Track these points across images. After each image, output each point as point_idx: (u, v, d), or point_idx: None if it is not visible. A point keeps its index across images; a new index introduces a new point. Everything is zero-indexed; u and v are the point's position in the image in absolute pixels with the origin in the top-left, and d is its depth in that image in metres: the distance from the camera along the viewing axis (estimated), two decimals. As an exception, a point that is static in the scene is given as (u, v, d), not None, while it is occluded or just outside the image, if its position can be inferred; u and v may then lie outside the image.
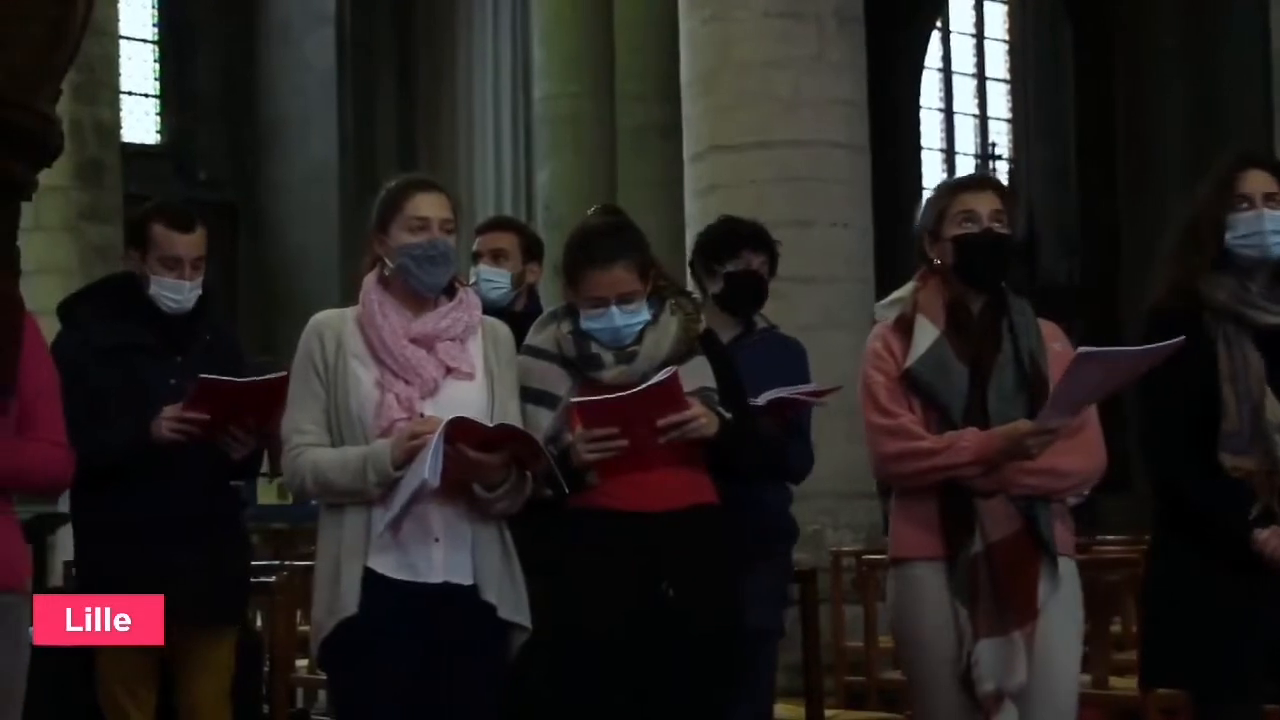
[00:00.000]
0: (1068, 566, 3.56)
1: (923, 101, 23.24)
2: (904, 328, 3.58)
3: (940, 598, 3.49)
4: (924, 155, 23.28)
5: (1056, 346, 3.61)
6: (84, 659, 4.12)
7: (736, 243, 4.49)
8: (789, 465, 4.36)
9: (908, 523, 3.57)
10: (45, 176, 4.44)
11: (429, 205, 3.42)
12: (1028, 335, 3.57)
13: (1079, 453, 3.51)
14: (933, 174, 23.48)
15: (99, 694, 4.05)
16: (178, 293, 4.03)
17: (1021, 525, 3.49)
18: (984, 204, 3.59)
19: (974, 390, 3.52)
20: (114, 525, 3.99)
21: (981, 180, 3.86)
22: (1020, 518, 3.49)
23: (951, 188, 3.72)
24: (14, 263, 4.27)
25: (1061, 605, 3.52)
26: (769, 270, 4.53)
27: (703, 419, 3.45)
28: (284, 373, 3.81)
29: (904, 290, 3.65)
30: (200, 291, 4.08)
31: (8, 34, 3.95)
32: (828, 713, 5.79)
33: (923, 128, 23.28)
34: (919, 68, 22.96)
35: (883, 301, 3.71)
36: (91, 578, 4.10)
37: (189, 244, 4.04)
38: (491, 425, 3.29)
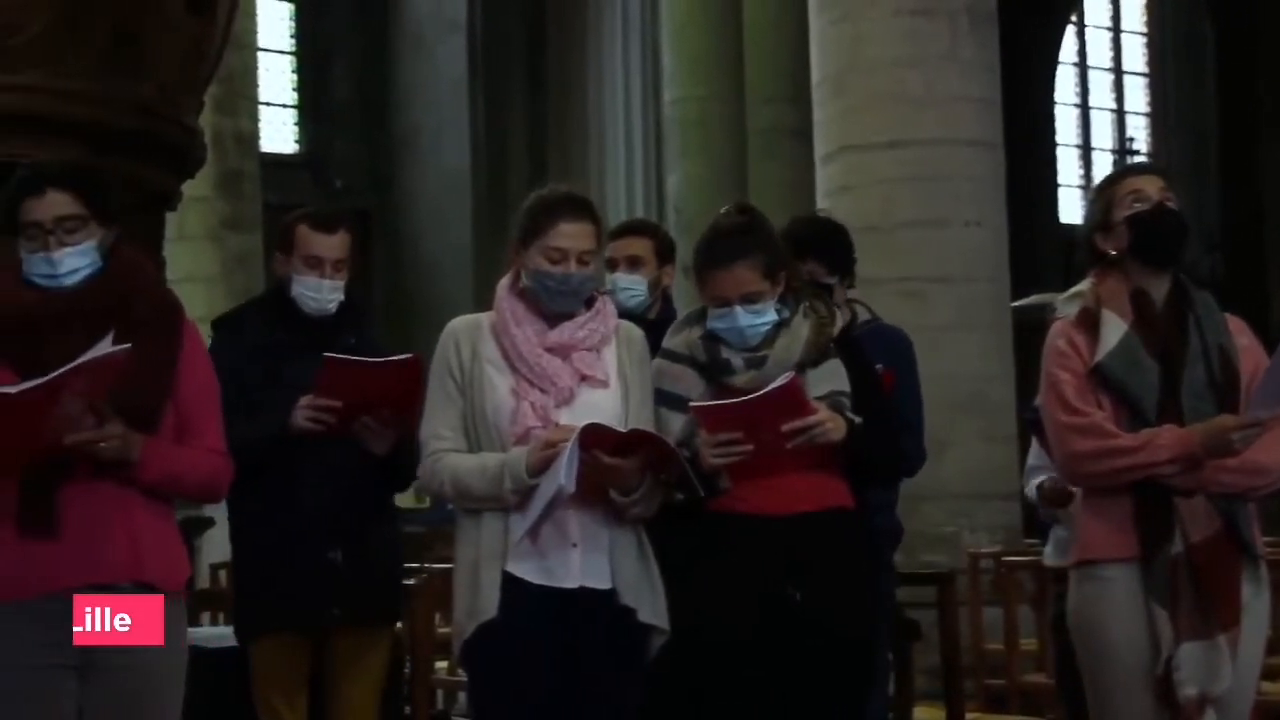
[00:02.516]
0: (1266, 570, 3.47)
1: (1058, 97, 22.92)
2: (1088, 323, 3.46)
3: (1133, 600, 3.38)
4: (1059, 152, 22.95)
5: (1244, 341, 3.51)
6: (239, 659, 4.20)
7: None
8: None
9: (1098, 523, 3.45)
10: (189, 187, 4.60)
11: (569, 237, 3.39)
12: (1214, 329, 3.46)
13: (1276, 448, 3.40)
14: (1069, 171, 23.15)
15: (252, 694, 4.11)
16: (317, 291, 4.09)
17: (1221, 525, 3.39)
18: (1151, 185, 3.52)
19: (1166, 385, 3.41)
20: (269, 525, 4.05)
21: (1143, 166, 3.79)
22: (1219, 517, 3.39)
23: (1113, 177, 3.64)
24: (162, 272, 4.40)
25: (1259, 609, 3.44)
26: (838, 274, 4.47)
27: (828, 424, 3.40)
28: (410, 355, 3.85)
29: (1082, 285, 3.55)
30: (342, 297, 4.14)
31: (155, 51, 4.09)
32: (968, 716, 5.75)
33: (1058, 124, 22.95)
34: (1054, 63, 22.64)
35: (1062, 296, 3.60)
36: (246, 578, 4.18)
37: (330, 245, 4.11)
38: (625, 430, 3.30)
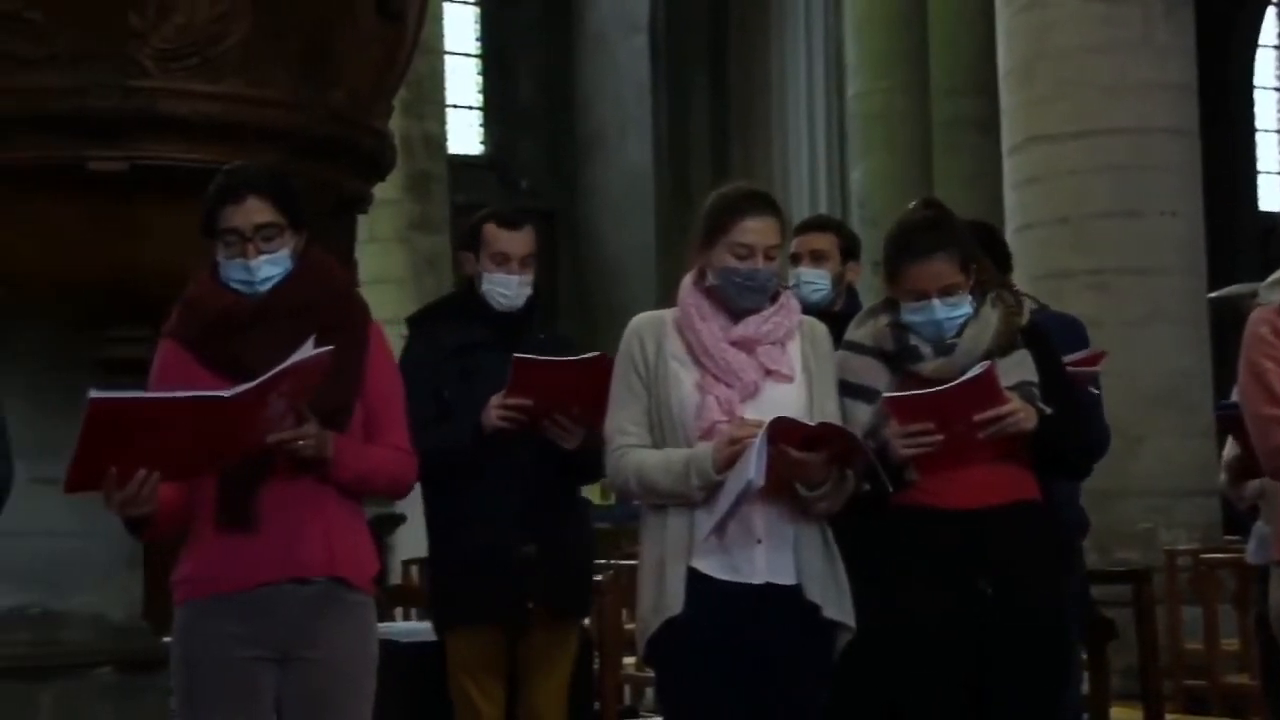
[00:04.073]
0: None
1: (1257, 80, 22.24)
2: None
3: None
4: (1259, 137, 22.28)
5: None
6: (434, 654, 4.28)
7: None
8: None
9: None
10: (378, 190, 4.69)
11: (755, 232, 3.39)
12: None
13: None
14: (1268, 156, 22.46)
15: (450, 685, 4.17)
16: (507, 288, 4.16)
17: None
18: None
19: None
20: (462, 521, 4.12)
21: None
22: None
23: None
24: (353, 274, 4.49)
25: None
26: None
27: (1020, 414, 3.39)
28: (598, 354, 3.88)
29: None
30: (531, 292, 4.20)
31: (348, 58, 4.18)
32: (1167, 717, 5.61)
33: (1257, 108, 22.27)
34: (1253, 44, 21.99)
35: (1264, 283, 3.50)
36: (443, 574, 4.25)
37: (516, 241, 4.17)
38: (813, 424, 3.29)
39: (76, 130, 3.85)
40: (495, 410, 3.97)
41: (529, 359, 3.91)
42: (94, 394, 2.82)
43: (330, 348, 3.02)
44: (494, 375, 4.02)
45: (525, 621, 4.10)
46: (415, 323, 4.35)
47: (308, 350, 2.99)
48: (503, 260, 4.16)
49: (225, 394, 2.91)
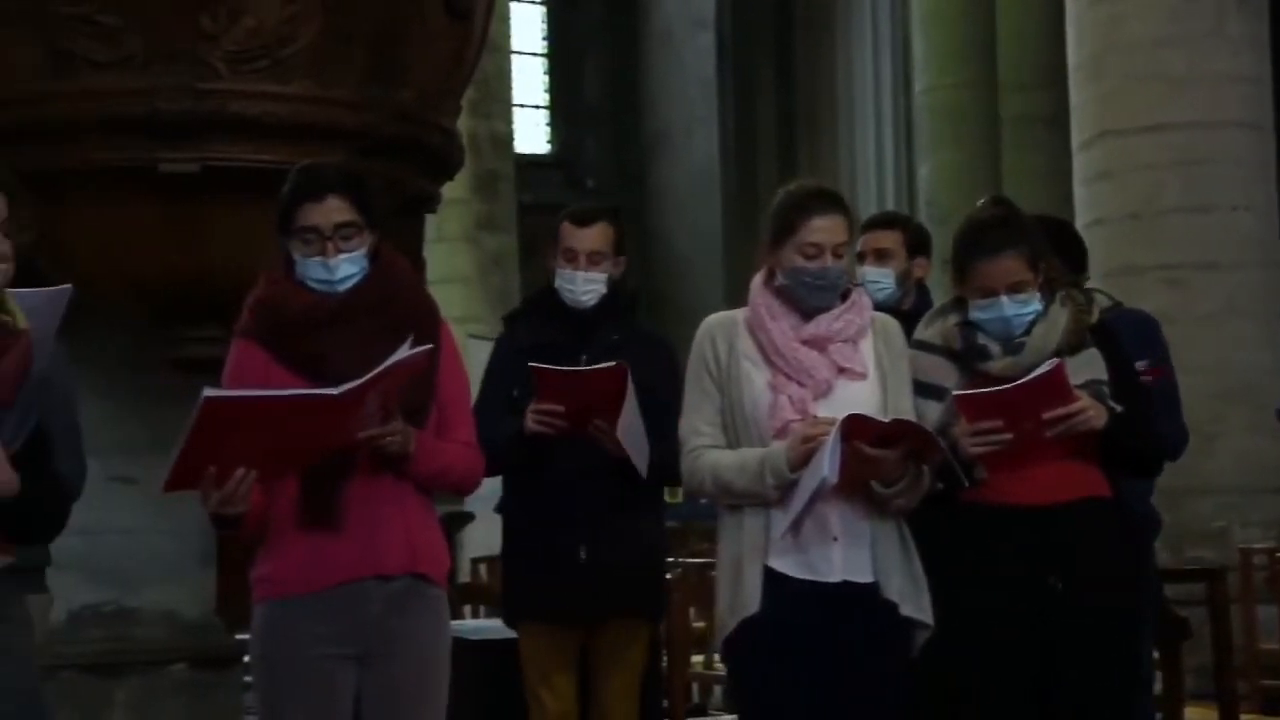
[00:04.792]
0: None
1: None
2: None
3: None
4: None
5: None
6: (503, 650, 4.29)
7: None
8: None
9: None
10: (446, 189, 4.71)
11: (823, 231, 3.37)
12: None
13: None
14: (1342, 150, 22.11)
15: (522, 682, 4.18)
16: (571, 283, 4.17)
17: None
18: None
19: None
20: (531, 520, 4.14)
21: None
22: None
23: None
24: (422, 273, 4.52)
25: None
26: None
27: (1090, 411, 3.37)
28: (615, 364, 3.89)
29: None
30: (603, 290, 4.19)
31: (416, 58, 4.20)
32: (1242, 717, 5.54)
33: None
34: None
35: None
36: (515, 570, 4.26)
37: (583, 237, 4.18)
38: (887, 420, 3.27)
39: (148, 132, 3.89)
40: (531, 415, 4.00)
41: (544, 368, 3.94)
42: (208, 393, 2.83)
43: (430, 346, 3.05)
44: None
45: (596, 620, 4.11)
46: (505, 322, 4.41)
47: (407, 349, 3.02)
48: (570, 256, 4.17)
49: (334, 391, 2.93)
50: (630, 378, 3.89)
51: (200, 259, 3.96)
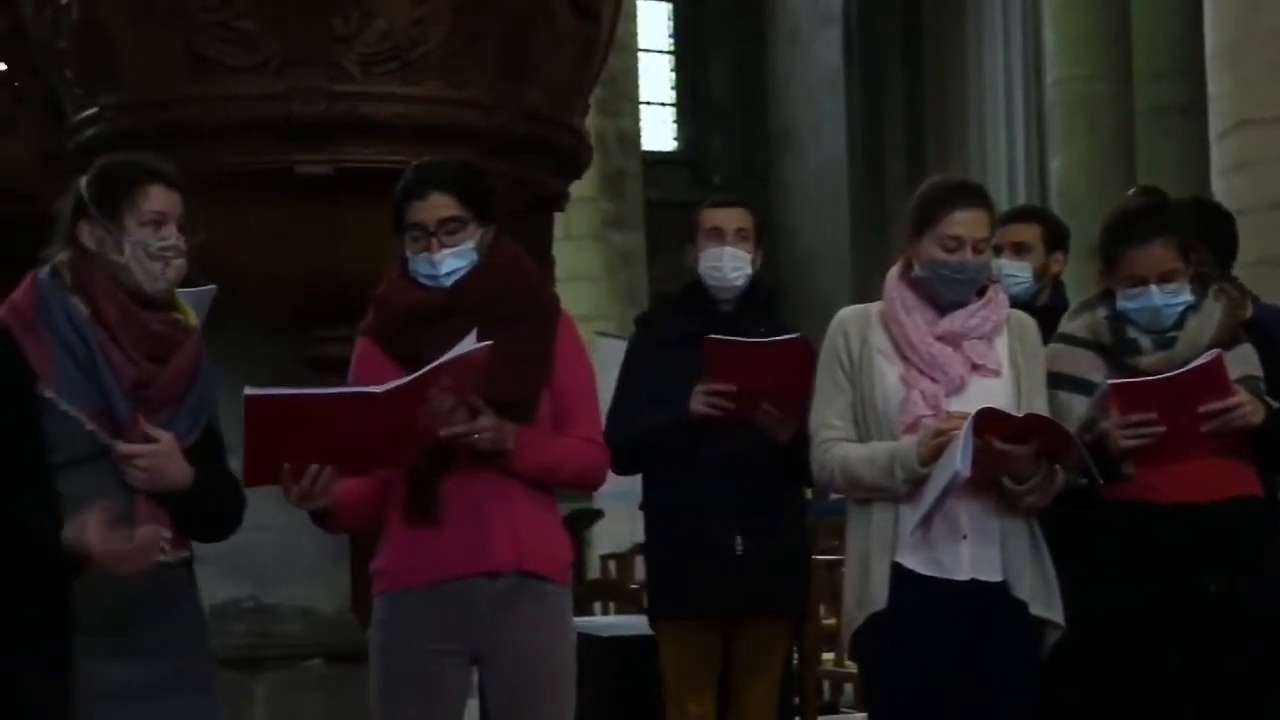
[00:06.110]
0: None
1: None
2: None
3: None
4: None
5: None
6: (639, 645, 4.29)
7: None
8: None
9: None
10: (574, 187, 4.73)
11: (964, 224, 3.35)
12: None
13: None
14: None
15: (663, 681, 4.15)
16: (718, 260, 4.11)
17: None
18: None
19: None
20: (676, 515, 4.09)
21: None
22: None
23: None
24: (550, 271, 4.54)
25: None
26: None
27: (1248, 407, 3.30)
28: (797, 335, 3.84)
29: None
30: (749, 270, 4.14)
31: (544, 57, 4.22)
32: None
33: None
34: None
35: None
36: (658, 566, 4.24)
37: (729, 215, 4.15)
38: (1020, 415, 3.23)
39: (283, 135, 3.96)
40: (699, 397, 3.94)
41: (722, 339, 3.86)
42: (249, 391, 2.88)
43: (488, 344, 3.04)
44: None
45: (743, 616, 4.07)
46: (642, 319, 4.38)
47: (467, 345, 3.02)
48: (716, 235, 4.11)
49: (377, 390, 2.95)
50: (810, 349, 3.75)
51: (334, 259, 4.02)
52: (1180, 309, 3.42)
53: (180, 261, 2.89)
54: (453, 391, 3.03)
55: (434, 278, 3.23)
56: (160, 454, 2.82)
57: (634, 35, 15.48)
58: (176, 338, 2.90)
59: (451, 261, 3.22)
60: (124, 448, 2.80)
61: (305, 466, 2.97)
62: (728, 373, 3.89)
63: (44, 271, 2.89)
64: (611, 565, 10.01)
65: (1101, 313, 3.49)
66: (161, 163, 2.96)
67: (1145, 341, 3.43)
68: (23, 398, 2.77)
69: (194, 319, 2.96)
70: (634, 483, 4.21)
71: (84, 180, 2.93)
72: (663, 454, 4.01)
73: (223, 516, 3.02)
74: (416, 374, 2.97)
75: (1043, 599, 3.32)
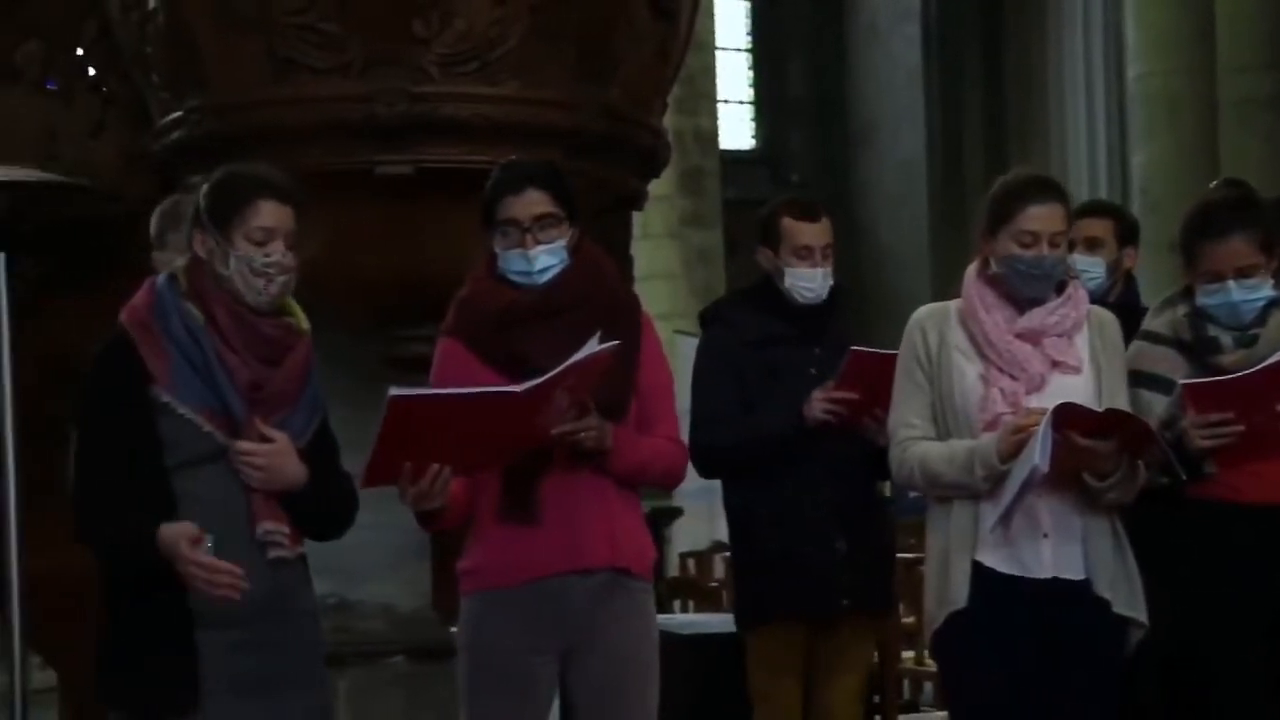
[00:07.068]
0: None
1: None
2: None
3: None
4: None
5: None
6: (720, 643, 4.28)
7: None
8: None
9: None
10: (652, 186, 4.73)
11: (1040, 219, 3.31)
12: None
13: None
14: None
15: (748, 682, 4.14)
16: (811, 281, 4.10)
17: None
18: None
19: None
20: (774, 516, 4.07)
21: None
22: None
23: None
24: (628, 270, 4.55)
25: None
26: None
27: None
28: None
29: None
30: (832, 282, 4.15)
31: (622, 56, 4.23)
32: None
33: None
34: None
35: None
36: (751, 568, 4.20)
37: (816, 232, 4.12)
38: (1101, 411, 3.20)
39: (364, 137, 3.99)
40: (820, 403, 3.94)
41: (866, 351, 3.87)
42: (394, 392, 2.91)
43: (616, 343, 3.07)
44: (797, 370, 4.00)
45: (833, 617, 4.05)
46: (711, 316, 4.32)
47: (593, 346, 3.04)
48: (806, 254, 4.09)
49: (518, 389, 2.97)
50: None
51: (414, 259, 4.04)
52: (1261, 305, 3.37)
53: (285, 278, 2.96)
54: (570, 391, 3.06)
55: (528, 274, 3.23)
56: (276, 453, 2.89)
57: (712, 33, 15.47)
58: (289, 341, 2.97)
59: (545, 258, 3.22)
60: (241, 445, 2.88)
61: (426, 466, 3.00)
62: (857, 382, 3.90)
63: (162, 277, 2.97)
64: (690, 563, 10.02)
65: (1182, 310, 3.45)
66: (276, 175, 3.01)
67: (1226, 339, 3.38)
68: (139, 400, 2.85)
69: (305, 322, 3.02)
70: (712, 481, 4.21)
71: (203, 189, 2.99)
72: (770, 459, 4.01)
73: (336, 515, 3.08)
74: (551, 373, 2.99)
75: (1125, 597, 3.29)
